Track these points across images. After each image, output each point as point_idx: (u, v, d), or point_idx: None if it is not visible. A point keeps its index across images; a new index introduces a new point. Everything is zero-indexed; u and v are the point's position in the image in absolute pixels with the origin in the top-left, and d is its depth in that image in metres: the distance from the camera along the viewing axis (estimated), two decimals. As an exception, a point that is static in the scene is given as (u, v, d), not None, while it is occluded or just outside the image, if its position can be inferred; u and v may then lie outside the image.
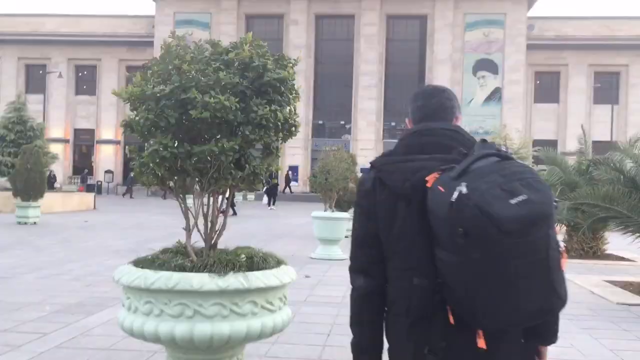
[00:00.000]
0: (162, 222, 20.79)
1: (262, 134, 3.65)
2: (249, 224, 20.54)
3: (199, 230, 3.91)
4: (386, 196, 1.94)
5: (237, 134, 3.64)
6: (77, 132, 51.61)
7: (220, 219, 3.96)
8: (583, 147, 14.25)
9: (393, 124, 47.59)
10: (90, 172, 47.58)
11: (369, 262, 2.00)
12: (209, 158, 3.57)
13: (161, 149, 3.53)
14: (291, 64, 3.83)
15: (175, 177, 3.75)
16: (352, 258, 2.08)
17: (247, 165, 3.80)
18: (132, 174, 45.90)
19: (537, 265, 1.68)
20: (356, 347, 2.03)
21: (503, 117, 44.77)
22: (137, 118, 3.63)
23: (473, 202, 1.67)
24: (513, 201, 1.65)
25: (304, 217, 22.35)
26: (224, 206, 4.08)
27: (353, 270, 2.06)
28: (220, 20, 46.83)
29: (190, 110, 3.48)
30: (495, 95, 46.20)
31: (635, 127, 41.23)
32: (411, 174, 1.89)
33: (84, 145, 52.00)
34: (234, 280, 3.46)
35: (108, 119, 50.24)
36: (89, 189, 38.58)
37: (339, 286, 8.83)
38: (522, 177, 1.71)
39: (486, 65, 46.58)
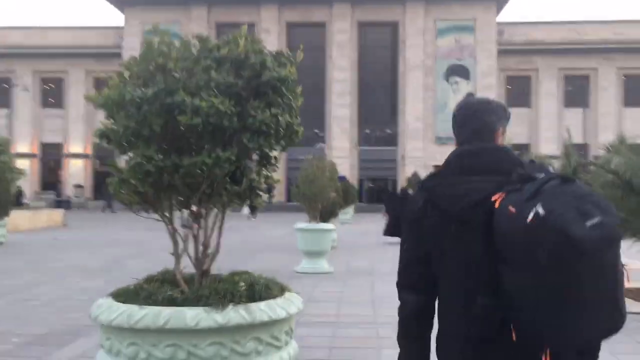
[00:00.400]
0: (135, 238, 20.05)
1: (261, 142, 3.16)
2: (226, 237, 19.92)
3: (188, 255, 3.40)
4: (438, 217, 1.96)
5: (231, 143, 3.14)
6: (44, 146, 50.23)
7: (213, 242, 3.45)
8: (568, 150, 13.99)
9: (368, 131, 47.34)
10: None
11: (420, 279, 2.02)
12: (200, 171, 3.07)
13: (144, 162, 3.01)
14: (291, 62, 3.35)
15: (162, 194, 3.23)
16: (401, 274, 2.09)
17: (243, 179, 3.31)
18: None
19: (607, 286, 1.71)
20: None
21: (477, 122, 44.80)
22: (115, 127, 3.10)
23: (552, 223, 1.66)
24: (588, 223, 1.66)
25: (284, 229, 21.83)
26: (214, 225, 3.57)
27: (402, 286, 2.08)
28: (190, 29, 46.03)
29: (179, 116, 2.98)
30: (468, 101, 46.25)
31: (606, 130, 41.75)
32: (465, 195, 1.91)
33: (52, 160, 50.64)
34: (234, 314, 2.95)
35: (77, 132, 49.03)
36: (59, 204, 37.44)
37: (330, 303, 8.34)
38: (592, 200, 1.72)
39: (458, 71, 46.67)
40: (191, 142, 3.13)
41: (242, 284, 3.19)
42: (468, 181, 1.92)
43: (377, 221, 31.32)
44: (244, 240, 18.91)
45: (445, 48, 46.71)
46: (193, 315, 2.90)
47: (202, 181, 3.11)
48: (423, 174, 43.23)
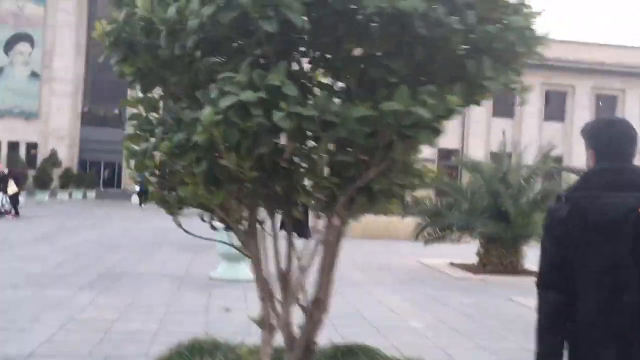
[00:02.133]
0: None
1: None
2: (106, 229, 16.78)
3: (281, 328, 1.69)
4: (582, 226, 2.15)
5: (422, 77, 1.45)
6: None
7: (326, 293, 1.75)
8: (502, 153, 13.10)
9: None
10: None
11: (561, 280, 2.18)
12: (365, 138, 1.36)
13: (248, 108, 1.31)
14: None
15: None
16: (541, 275, 2.25)
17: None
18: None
19: None
20: (546, 355, 2.19)
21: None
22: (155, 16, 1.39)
23: None
24: None
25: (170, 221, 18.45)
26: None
27: (543, 286, 2.23)
28: None
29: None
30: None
31: (527, 138, 39.96)
32: (613, 207, 2.12)
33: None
34: None
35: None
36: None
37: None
38: None
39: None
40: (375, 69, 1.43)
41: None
42: (612, 196, 2.12)
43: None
44: (131, 232, 16.10)
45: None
46: None
47: (364, 162, 1.40)
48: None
